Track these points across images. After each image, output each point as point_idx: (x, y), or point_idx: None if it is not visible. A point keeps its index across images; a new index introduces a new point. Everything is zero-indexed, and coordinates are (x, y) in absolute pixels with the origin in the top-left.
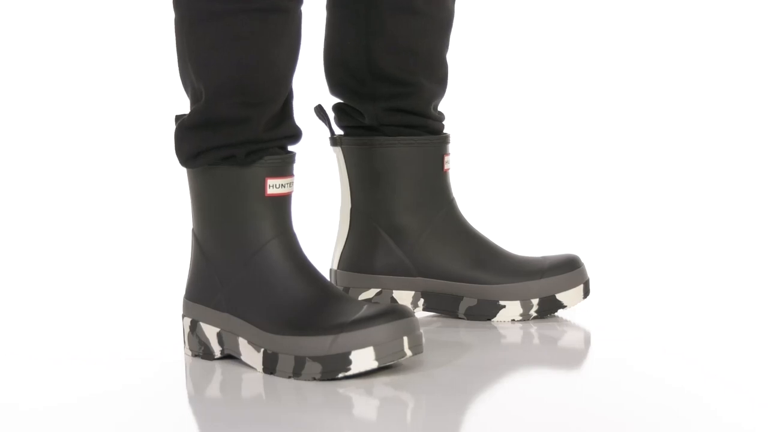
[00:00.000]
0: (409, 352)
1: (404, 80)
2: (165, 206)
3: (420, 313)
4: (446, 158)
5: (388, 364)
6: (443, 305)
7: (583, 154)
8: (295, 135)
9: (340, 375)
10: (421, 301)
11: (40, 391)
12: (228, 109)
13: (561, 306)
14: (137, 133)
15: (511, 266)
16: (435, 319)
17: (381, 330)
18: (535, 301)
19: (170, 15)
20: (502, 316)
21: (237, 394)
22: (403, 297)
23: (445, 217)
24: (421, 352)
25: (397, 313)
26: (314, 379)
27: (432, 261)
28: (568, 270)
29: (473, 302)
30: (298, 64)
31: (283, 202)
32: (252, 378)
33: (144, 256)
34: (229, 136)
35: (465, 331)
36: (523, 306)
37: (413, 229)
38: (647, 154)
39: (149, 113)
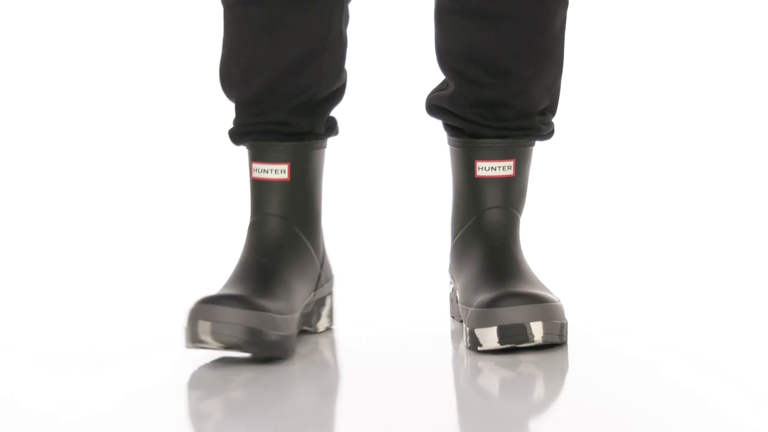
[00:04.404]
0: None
1: (447, 77)
2: (165, 204)
3: None
4: (479, 164)
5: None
6: None
7: (581, 154)
8: (284, 123)
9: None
10: None
11: (39, 390)
12: (227, 90)
13: (478, 344)
14: (138, 131)
15: (494, 290)
16: None
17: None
18: (467, 330)
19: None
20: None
21: (238, 394)
22: None
23: (470, 227)
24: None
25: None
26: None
27: (452, 269)
28: (485, 305)
29: None
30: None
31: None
32: (252, 377)
33: (144, 256)
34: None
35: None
36: (468, 335)
37: (452, 232)
38: (646, 154)
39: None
